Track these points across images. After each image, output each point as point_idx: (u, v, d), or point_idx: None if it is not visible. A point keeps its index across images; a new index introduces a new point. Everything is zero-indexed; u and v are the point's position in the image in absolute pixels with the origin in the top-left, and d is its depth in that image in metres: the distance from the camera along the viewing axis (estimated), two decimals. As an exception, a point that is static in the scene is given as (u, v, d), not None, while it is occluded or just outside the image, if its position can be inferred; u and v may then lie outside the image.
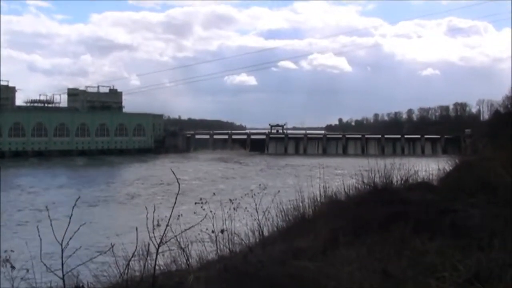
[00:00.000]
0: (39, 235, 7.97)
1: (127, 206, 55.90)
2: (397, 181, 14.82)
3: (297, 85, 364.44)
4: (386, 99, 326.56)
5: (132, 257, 8.49)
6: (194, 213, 10.36)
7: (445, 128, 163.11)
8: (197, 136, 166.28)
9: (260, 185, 14.14)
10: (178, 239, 9.23)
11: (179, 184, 8.82)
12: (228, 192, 58.35)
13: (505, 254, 7.65)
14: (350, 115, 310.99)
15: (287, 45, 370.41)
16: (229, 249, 11.11)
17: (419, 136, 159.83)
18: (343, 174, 16.72)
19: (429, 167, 18.91)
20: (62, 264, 7.38)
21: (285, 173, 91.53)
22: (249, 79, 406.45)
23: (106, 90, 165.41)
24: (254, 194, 12.60)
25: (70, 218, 7.61)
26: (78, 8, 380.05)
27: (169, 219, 8.51)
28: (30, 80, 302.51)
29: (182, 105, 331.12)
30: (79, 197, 9.20)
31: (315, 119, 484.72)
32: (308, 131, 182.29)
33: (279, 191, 14.57)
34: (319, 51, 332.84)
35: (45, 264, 7.68)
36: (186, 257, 10.06)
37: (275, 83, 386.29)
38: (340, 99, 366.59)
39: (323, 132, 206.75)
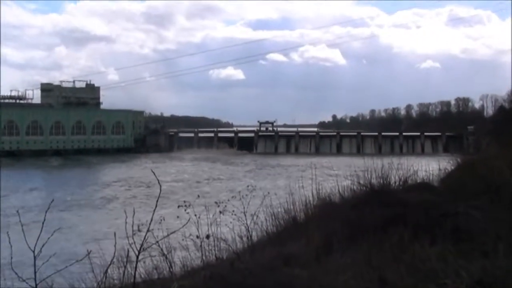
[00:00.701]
0: (9, 242, 7.92)
1: (104, 210, 55.75)
2: (395, 182, 14.87)
3: (288, 79, 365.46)
4: (383, 94, 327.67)
5: (110, 264, 8.46)
6: (177, 217, 10.33)
7: (446, 125, 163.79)
8: (180, 134, 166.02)
9: (248, 186, 14.13)
10: (160, 245, 9.21)
11: (160, 186, 8.80)
12: (214, 194, 58.05)
13: (510, 260, 7.69)
14: (345, 112, 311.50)
15: (277, 36, 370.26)
16: (215, 256, 11.11)
17: (418, 134, 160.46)
18: (338, 175, 16.72)
19: (430, 167, 18.98)
20: (35, 273, 7.33)
21: (275, 173, 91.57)
22: (236, 73, 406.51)
23: (83, 85, 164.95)
24: (242, 197, 12.61)
25: (43, 223, 7.56)
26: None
27: (150, 224, 8.48)
28: (0, 74, 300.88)
29: (164, 101, 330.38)
30: (52, 200, 9.16)
31: (307, 115, 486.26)
32: (299, 129, 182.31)
33: (268, 192, 14.57)
34: (311, 42, 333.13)
35: (16, 273, 7.63)
36: (169, 264, 10.04)
37: (264, 77, 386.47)
38: (334, 94, 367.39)
39: (315, 129, 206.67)
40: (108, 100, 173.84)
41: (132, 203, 54.26)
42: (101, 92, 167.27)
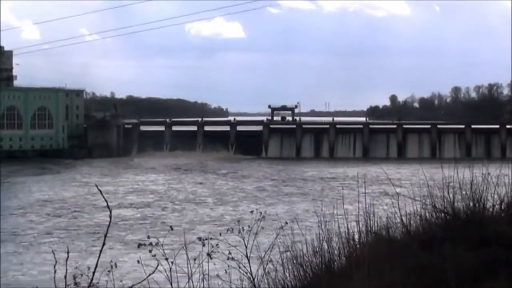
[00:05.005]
0: None
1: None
2: (493, 206, 14.83)
3: (314, 39, 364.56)
4: (472, 63, 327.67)
5: None
6: (138, 262, 10.36)
7: None
8: (143, 128, 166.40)
9: (253, 213, 14.14)
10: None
11: (110, 212, 8.79)
12: (196, 224, 58.13)
13: None
14: (410, 91, 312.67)
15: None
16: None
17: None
18: (399, 194, 16.75)
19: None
20: None
21: (298, 192, 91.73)
22: (230, 28, 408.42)
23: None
24: (243, 230, 12.59)
25: None
26: None
27: (94, 272, 8.48)
28: None
29: (117, 75, 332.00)
30: None
31: (347, 97, 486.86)
32: (336, 119, 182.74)
33: (286, 223, 14.59)
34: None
35: None
36: None
37: (276, 35, 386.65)
38: (391, 62, 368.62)
39: (363, 119, 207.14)
40: (25, 72, 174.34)
41: (41, 243, 54.38)
42: (15, 60, 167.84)
